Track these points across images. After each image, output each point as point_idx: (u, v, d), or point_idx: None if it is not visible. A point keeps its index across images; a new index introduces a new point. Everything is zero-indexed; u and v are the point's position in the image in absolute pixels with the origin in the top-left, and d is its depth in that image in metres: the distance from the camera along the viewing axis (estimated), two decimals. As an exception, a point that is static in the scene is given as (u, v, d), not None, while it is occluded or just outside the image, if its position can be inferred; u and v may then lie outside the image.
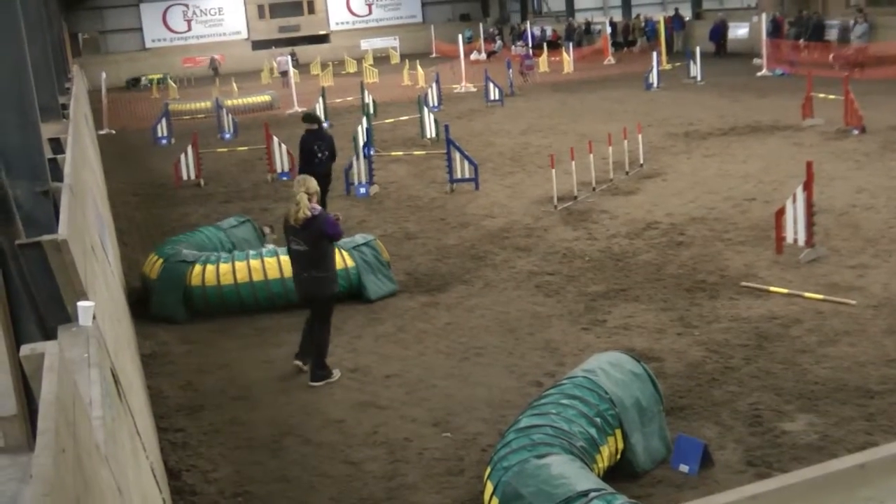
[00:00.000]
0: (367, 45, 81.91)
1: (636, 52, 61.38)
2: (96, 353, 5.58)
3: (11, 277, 5.58)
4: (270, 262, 15.41)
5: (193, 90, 60.79)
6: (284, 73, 60.36)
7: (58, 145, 13.30)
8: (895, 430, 9.82)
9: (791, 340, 12.51)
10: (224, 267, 15.40)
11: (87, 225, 9.73)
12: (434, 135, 31.55)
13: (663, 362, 12.06)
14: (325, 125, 21.08)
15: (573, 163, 21.43)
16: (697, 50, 44.73)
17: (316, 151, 20.82)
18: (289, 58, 62.63)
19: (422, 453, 10.20)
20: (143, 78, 72.59)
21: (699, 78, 43.03)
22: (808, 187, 15.47)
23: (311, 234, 12.26)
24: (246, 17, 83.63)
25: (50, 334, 5.77)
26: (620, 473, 9.09)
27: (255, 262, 15.41)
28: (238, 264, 15.42)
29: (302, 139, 21.03)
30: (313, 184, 12.53)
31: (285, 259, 15.41)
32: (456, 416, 11.07)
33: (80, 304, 5.92)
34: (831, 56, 41.46)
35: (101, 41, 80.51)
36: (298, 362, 12.93)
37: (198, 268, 15.40)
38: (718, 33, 55.11)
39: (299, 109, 43.31)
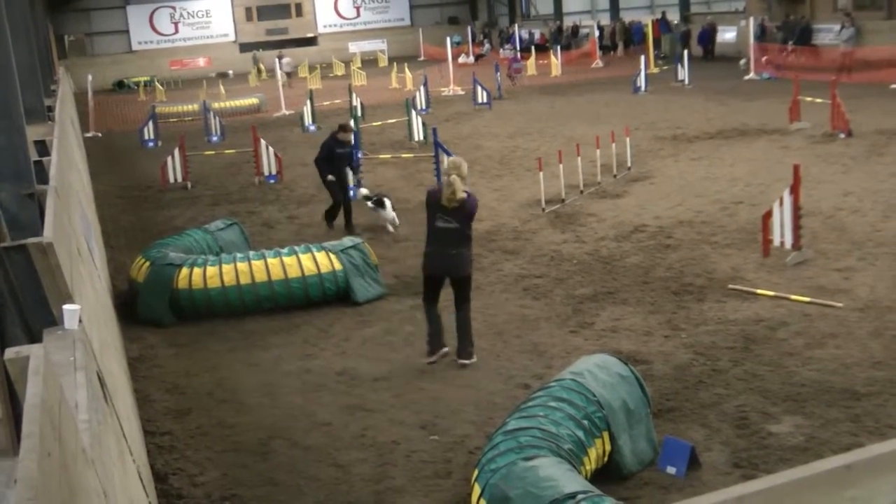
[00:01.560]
0: (354, 47, 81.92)
1: (618, 55, 61.63)
2: (82, 356, 5.57)
3: (-3, 280, 5.57)
4: (258, 264, 15.39)
5: (181, 93, 60.67)
6: (289, 75, 60.96)
7: (43, 148, 13.30)
8: (881, 432, 9.84)
9: (778, 343, 12.53)
10: (211, 270, 15.35)
11: (73, 228, 9.71)
12: (422, 138, 31.58)
13: (651, 365, 12.07)
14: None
15: (561, 166, 21.44)
16: (685, 53, 44.82)
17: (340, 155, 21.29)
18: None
19: (409, 456, 10.19)
20: (126, 80, 72.47)
21: (687, 81, 43.10)
22: (794, 190, 15.49)
23: (464, 214, 12.44)
24: (233, 19, 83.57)
25: (35, 337, 5.76)
26: (608, 475, 9.09)
27: (242, 265, 15.39)
28: (225, 267, 15.39)
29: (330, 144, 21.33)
30: (465, 167, 12.69)
31: (273, 262, 15.42)
32: (443, 418, 11.06)
33: (66, 307, 5.91)
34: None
35: (88, 43, 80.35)
36: (442, 350, 12.87)
37: (185, 270, 15.35)
38: (706, 37, 55.24)
39: (287, 112, 43.35)
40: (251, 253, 16.03)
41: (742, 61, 46.69)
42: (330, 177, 20.76)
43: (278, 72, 49.20)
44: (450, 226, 12.41)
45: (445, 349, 12.86)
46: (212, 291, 15.25)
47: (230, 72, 71.07)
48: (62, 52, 74.17)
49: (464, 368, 12.55)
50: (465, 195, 12.32)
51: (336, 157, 21.06)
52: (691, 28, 57.55)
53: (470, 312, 12.83)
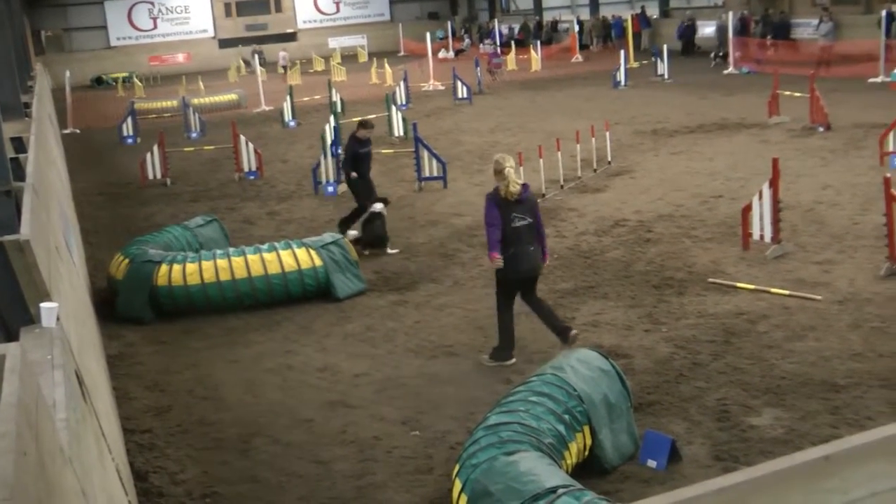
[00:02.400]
0: (335, 43, 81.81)
1: (595, 51, 61.83)
2: (60, 354, 5.54)
3: (-27, 278, 5.55)
4: (237, 260, 15.36)
5: (160, 89, 60.52)
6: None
7: (20, 144, 13.25)
8: (860, 423, 9.87)
9: (758, 336, 12.57)
10: (191, 266, 15.30)
11: (51, 225, 9.67)
12: (402, 133, 31.60)
13: (631, 359, 12.09)
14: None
15: (541, 160, 21.44)
16: (665, 48, 44.90)
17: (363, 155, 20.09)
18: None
19: (391, 452, 10.19)
20: (104, 76, 72.26)
21: (666, 76, 43.18)
22: (774, 184, 15.53)
23: (531, 204, 12.34)
24: (213, 15, 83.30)
25: (13, 336, 5.73)
26: (589, 469, 9.11)
27: (221, 262, 15.35)
28: (205, 264, 15.35)
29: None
30: (511, 159, 12.46)
31: (252, 258, 15.39)
32: (425, 414, 11.06)
33: (44, 305, 5.89)
34: None
35: (66, 39, 79.92)
36: (570, 334, 12.48)
37: (164, 267, 15.30)
38: (682, 32, 55.39)
39: (266, 108, 43.26)
40: (231, 249, 15.98)
41: (712, 55, 46.89)
42: (353, 174, 19.73)
43: (258, 67, 49.08)
44: (525, 223, 12.17)
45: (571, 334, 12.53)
46: (192, 288, 15.20)
47: (249, 61, 70.99)
48: (39, 48, 73.77)
49: (359, 377, 12.44)
50: (520, 184, 12.18)
51: (360, 157, 19.87)
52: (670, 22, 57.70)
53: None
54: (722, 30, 48.11)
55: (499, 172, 12.17)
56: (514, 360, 12.40)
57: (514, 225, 12.12)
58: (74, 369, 6.10)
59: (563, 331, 12.42)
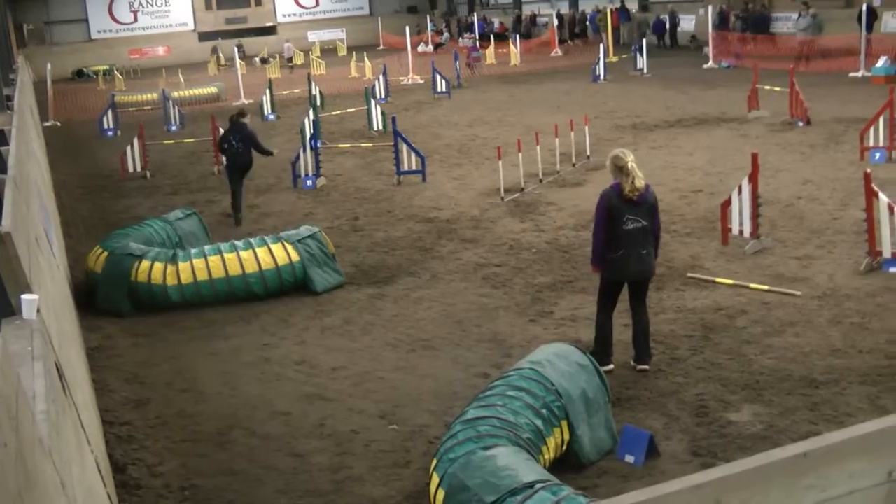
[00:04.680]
0: (314, 37, 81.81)
1: (572, 45, 61.92)
2: (40, 346, 5.54)
3: (-47, 270, 5.54)
4: (214, 260, 15.33)
5: (140, 82, 60.39)
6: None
7: (2, 137, 13.21)
8: (839, 420, 9.91)
9: (737, 331, 12.60)
10: (170, 268, 15.25)
11: (31, 217, 9.64)
12: (381, 127, 31.59)
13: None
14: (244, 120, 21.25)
15: (520, 154, 21.44)
16: (644, 42, 44.98)
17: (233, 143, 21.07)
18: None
19: (368, 445, 10.19)
20: (85, 69, 72.17)
21: (646, 70, 43.25)
22: (753, 179, 15.57)
23: (649, 206, 11.53)
24: (192, 8, 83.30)
25: (-7, 327, 5.72)
26: (566, 464, 9.12)
27: (198, 262, 15.29)
28: (182, 265, 15.28)
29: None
30: (632, 154, 11.74)
31: (230, 256, 15.36)
32: (403, 407, 11.06)
33: (24, 297, 5.88)
34: None
35: (47, 32, 79.87)
36: (643, 367, 11.67)
37: (145, 263, 15.27)
38: (661, 26, 55.53)
39: (246, 101, 43.19)
40: (207, 248, 15.90)
41: (705, 50, 46.98)
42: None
43: (237, 60, 48.97)
44: (639, 225, 11.40)
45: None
46: (169, 288, 15.17)
47: (270, 59, 70.85)
48: (21, 41, 73.71)
49: (337, 371, 12.40)
50: (644, 182, 11.54)
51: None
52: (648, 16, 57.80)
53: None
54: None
55: (620, 168, 11.49)
56: (611, 367, 11.57)
57: (626, 227, 11.42)
58: (54, 361, 6.10)
59: (642, 358, 11.72)
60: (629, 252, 11.46)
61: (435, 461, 8.33)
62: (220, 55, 70.64)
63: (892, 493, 3.77)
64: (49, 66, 48.68)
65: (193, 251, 15.76)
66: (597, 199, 11.83)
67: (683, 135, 27.37)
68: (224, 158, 22.03)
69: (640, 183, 11.40)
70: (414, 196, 22.16)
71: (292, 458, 10.05)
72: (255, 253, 15.48)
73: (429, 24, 75.94)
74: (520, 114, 34.24)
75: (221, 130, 26.94)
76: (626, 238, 11.42)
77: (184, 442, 10.63)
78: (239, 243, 15.91)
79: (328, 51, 73.37)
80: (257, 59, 70.34)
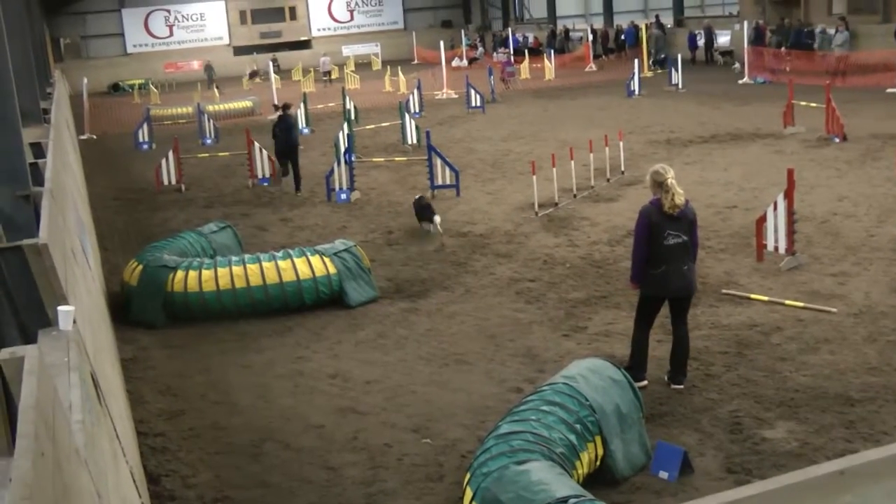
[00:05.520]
0: (348, 51, 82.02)
1: (607, 60, 61.79)
2: (76, 357, 5.56)
3: (-9, 281, 5.57)
4: (252, 268, 15.38)
5: (175, 95, 60.69)
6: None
7: (39, 150, 13.29)
8: (875, 438, 9.85)
9: (771, 348, 12.54)
10: (206, 273, 15.33)
11: (67, 229, 9.70)
12: (415, 141, 31.62)
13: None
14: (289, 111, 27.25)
15: (554, 169, 21.42)
16: (679, 57, 44.90)
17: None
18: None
19: (401, 459, 10.19)
20: (121, 83, 72.68)
21: (680, 85, 43.16)
22: (788, 195, 15.51)
23: (688, 221, 11.52)
24: (228, 22, 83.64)
25: (30, 338, 5.76)
26: (600, 480, 9.10)
27: (237, 269, 15.37)
28: (220, 270, 15.37)
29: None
30: (672, 170, 11.75)
31: (268, 265, 15.41)
32: (436, 422, 11.06)
33: (61, 308, 5.91)
34: None
35: (83, 46, 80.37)
36: (678, 385, 11.64)
37: (179, 273, 15.34)
38: (694, 41, 55.48)
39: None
40: (246, 256, 16.00)
41: (735, 66, 46.74)
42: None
43: (272, 74, 49.14)
44: (679, 240, 11.40)
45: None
46: (206, 294, 15.23)
47: (257, 71, 71.10)
48: (58, 55, 74.26)
49: (371, 384, 12.38)
50: (684, 199, 11.56)
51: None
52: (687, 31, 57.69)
53: None
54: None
55: (660, 184, 11.45)
56: (645, 382, 11.59)
57: (667, 243, 11.41)
58: (90, 372, 6.13)
59: (677, 378, 11.69)
60: (670, 268, 11.43)
61: (468, 475, 8.33)
62: (258, 76, 70.85)
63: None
64: (85, 80, 48.97)
65: (234, 258, 15.84)
66: (631, 214, 11.81)
67: (718, 150, 27.27)
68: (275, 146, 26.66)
69: (679, 199, 11.40)
70: (447, 210, 22.15)
71: (325, 471, 10.07)
72: (293, 262, 15.53)
73: (463, 39, 75.99)
74: (554, 129, 34.20)
75: (257, 144, 27.25)
76: (667, 254, 11.41)
77: (217, 454, 10.66)
78: (277, 253, 15.97)
79: (362, 65, 73.57)
80: (247, 74, 70.70)
